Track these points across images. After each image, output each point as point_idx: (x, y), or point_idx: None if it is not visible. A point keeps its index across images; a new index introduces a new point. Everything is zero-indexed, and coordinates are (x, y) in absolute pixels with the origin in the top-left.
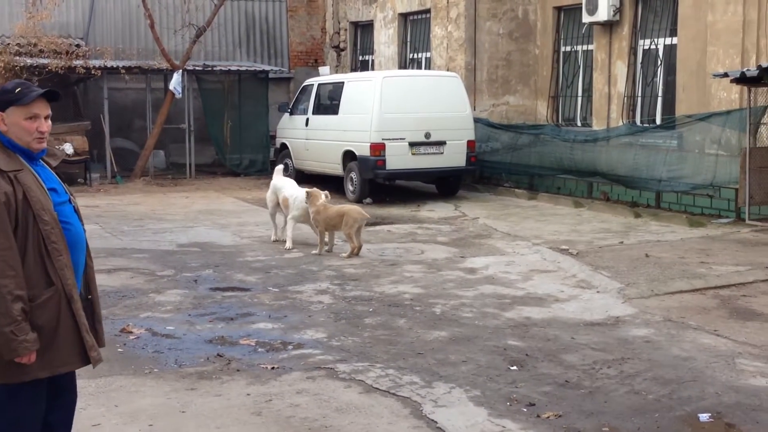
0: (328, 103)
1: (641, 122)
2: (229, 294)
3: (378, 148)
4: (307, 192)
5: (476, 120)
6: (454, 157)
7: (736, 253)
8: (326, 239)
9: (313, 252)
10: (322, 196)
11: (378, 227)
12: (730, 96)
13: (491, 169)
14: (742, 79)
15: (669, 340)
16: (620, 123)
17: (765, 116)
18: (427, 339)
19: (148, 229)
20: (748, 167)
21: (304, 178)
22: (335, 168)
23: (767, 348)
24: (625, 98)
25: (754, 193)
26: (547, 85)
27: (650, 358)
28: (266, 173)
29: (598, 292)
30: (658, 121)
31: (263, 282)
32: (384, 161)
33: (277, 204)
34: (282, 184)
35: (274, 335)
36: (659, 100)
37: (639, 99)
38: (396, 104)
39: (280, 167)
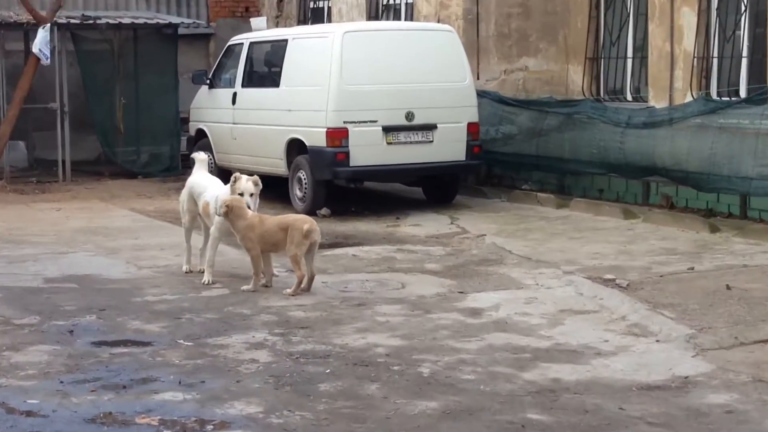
0: (265, 71)
1: (718, 95)
2: (121, 350)
3: (338, 136)
4: (233, 183)
5: (481, 94)
6: (449, 147)
7: None
8: (263, 267)
9: (245, 288)
10: (248, 195)
11: (339, 250)
12: None
13: (503, 164)
14: None
15: (761, 409)
16: (688, 96)
17: None
18: (409, 413)
19: (1, 257)
20: None
21: (229, 179)
22: (276, 165)
23: None
24: (695, 60)
25: None
26: (583, 42)
27: None
28: (175, 173)
29: (657, 341)
30: (743, 94)
31: (171, 332)
32: (347, 154)
33: (196, 214)
34: (203, 181)
35: (187, 410)
36: (744, 62)
37: (715, 61)
38: (363, 72)
39: (203, 156)
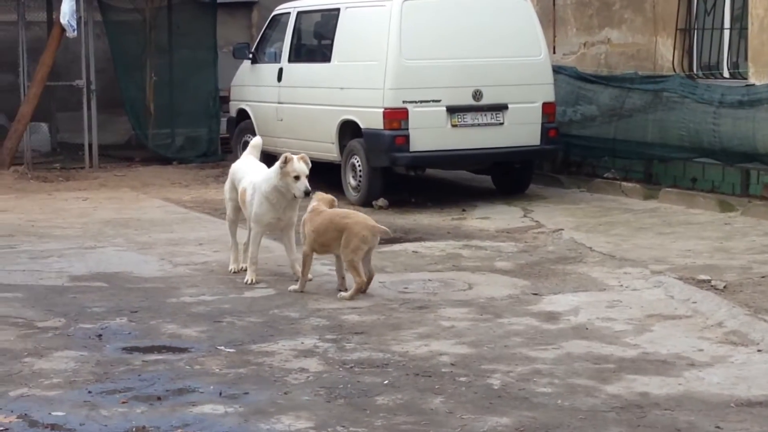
0: (315, 44)
1: None
2: (155, 357)
3: (397, 117)
4: (284, 165)
5: (557, 70)
6: (522, 130)
7: None
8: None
9: (292, 288)
10: (304, 177)
11: (398, 246)
12: None
13: (583, 149)
14: None
15: None
16: None
17: None
18: (478, 430)
19: (23, 252)
20: None
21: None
22: (327, 150)
23: None
24: None
25: None
26: (674, 12)
27: None
28: (214, 159)
29: (759, 350)
30: None
31: (210, 337)
32: (406, 138)
33: (238, 204)
34: (245, 167)
35: (229, 425)
36: None
37: None
38: (425, 45)
39: (257, 141)
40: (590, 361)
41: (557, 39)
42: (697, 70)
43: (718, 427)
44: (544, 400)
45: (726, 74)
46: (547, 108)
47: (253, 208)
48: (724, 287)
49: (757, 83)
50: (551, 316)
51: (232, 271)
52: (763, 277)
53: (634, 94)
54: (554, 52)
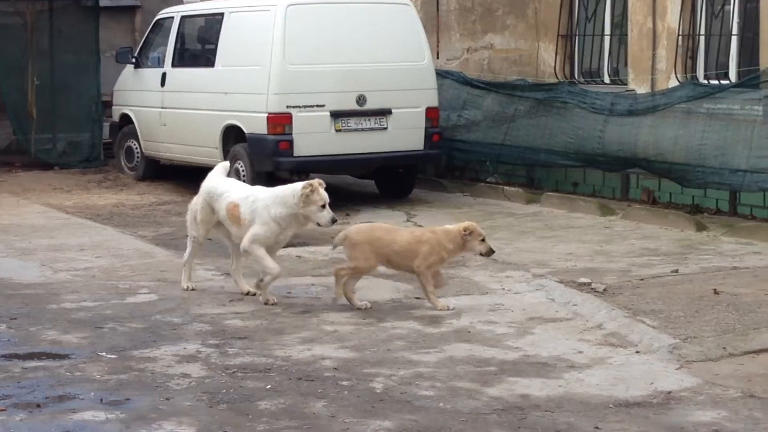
0: (199, 48)
1: (706, 78)
2: (35, 364)
3: (281, 122)
4: (310, 194)
5: (443, 74)
6: (406, 135)
7: None
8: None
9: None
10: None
11: (281, 251)
12: None
13: (467, 154)
14: None
15: (752, 428)
16: (672, 79)
17: None
18: None
19: None
20: None
21: (158, 171)
22: (211, 155)
23: None
24: (680, 38)
25: None
26: (555, 18)
27: None
28: (96, 164)
29: (638, 352)
30: (733, 76)
31: (91, 344)
32: (290, 143)
33: (212, 225)
34: (223, 183)
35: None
36: (734, 41)
37: (702, 40)
38: (309, 50)
39: (226, 164)
40: (472, 364)
41: (441, 44)
42: (578, 76)
43: (597, 428)
44: (426, 403)
45: (607, 80)
46: (431, 113)
47: (254, 227)
48: (604, 290)
49: (637, 89)
50: (434, 320)
51: (187, 288)
52: (641, 279)
53: (521, 101)
54: (438, 57)
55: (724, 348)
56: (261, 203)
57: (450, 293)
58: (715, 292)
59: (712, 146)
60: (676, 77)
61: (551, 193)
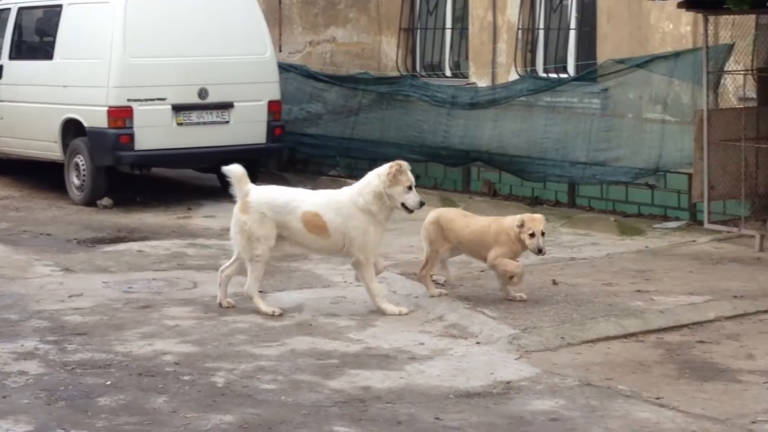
0: (37, 40)
1: (545, 72)
2: None
3: (121, 116)
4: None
5: (286, 68)
6: (248, 128)
7: (689, 275)
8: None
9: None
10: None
11: (122, 246)
12: (678, 29)
13: (309, 147)
14: (695, 3)
15: (588, 416)
16: (512, 72)
17: (730, 60)
18: (201, 428)
19: None
20: (707, 140)
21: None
22: (50, 149)
23: (736, 423)
24: (520, 32)
25: (716, 182)
26: (397, 12)
27: None
28: None
29: (478, 343)
30: (572, 71)
31: None
32: (131, 137)
33: (274, 237)
34: (285, 195)
35: None
36: (572, 35)
37: (541, 34)
38: (150, 43)
39: (242, 170)
40: (314, 357)
41: (283, 38)
42: (420, 69)
43: (437, 419)
44: (268, 396)
45: (448, 73)
46: (273, 106)
47: (358, 237)
48: (445, 282)
49: (478, 82)
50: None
51: (222, 304)
52: (482, 271)
53: (365, 94)
54: (280, 51)
55: (563, 338)
56: (346, 202)
57: (292, 286)
58: (554, 282)
59: (553, 139)
60: (516, 71)
61: None
